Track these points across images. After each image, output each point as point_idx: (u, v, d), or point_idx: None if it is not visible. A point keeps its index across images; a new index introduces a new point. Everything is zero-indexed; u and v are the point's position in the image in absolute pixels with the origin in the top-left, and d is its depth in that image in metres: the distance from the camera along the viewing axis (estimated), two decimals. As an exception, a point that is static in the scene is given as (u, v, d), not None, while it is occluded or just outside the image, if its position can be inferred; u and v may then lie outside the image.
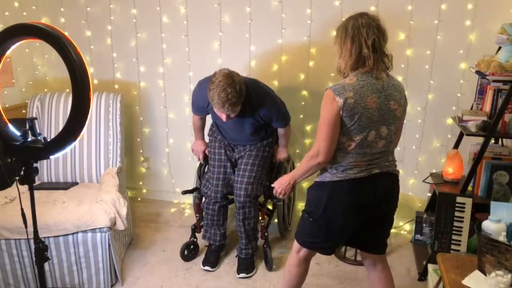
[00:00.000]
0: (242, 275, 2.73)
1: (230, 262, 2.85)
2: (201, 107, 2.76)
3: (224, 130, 2.85)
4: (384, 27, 1.82)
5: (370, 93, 1.78)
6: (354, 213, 1.89)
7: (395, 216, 2.06)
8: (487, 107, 2.50)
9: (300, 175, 1.99)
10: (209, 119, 2.97)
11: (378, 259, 2.08)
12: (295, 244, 2.08)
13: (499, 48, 2.53)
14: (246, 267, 2.76)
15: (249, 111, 2.62)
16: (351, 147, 1.82)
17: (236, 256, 2.85)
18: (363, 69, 1.79)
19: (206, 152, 2.94)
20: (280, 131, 2.86)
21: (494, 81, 2.34)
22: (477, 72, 2.48)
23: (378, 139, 1.84)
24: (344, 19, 1.87)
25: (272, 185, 2.13)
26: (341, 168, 1.85)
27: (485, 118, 2.43)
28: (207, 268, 2.78)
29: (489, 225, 1.69)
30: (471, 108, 2.72)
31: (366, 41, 1.76)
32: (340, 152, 1.85)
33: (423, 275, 2.66)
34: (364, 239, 2.03)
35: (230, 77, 2.38)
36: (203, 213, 2.84)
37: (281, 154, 2.96)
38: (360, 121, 1.78)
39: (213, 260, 2.81)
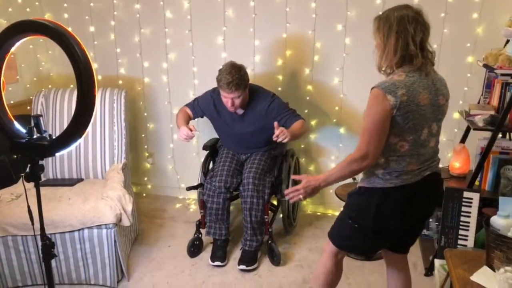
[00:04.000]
0: (242, 266, 2.73)
1: (236, 258, 2.85)
2: (201, 106, 2.96)
3: (228, 141, 3.01)
4: (429, 23, 1.70)
5: (422, 89, 1.66)
6: (408, 219, 1.79)
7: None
8: (495, 101, 2.47)
9: (335, 179, 1.78)
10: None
11: (402, 258, 2.03)
12: (331, 248, 1.93)
13: (507, 41, 2.51)
14: (247, 259, 2.76)
15: (254, 111, 2.81)
16: (404, 148, 1.70)
17: (240, 249, 2.85)
18: (411, 67, 1.67)
19: (191, 127, 2.79)
20: (296, 124, 2.77)
21: (502, 74, 2.32)
22: (485, 65, 2.46)
23: (430, 137, 1.74)
24: (385, 10, 1.73)
25: (295, 188, 1.85)
26: (395, 173, 1.72)
27: (492, 112, 2.40)
28: (217, 263, 2.78)
29: (497, 221, 1.68)
30: (478, 102, 2.69)
31: (413, 38, 1.63)
32: (392, 156, 1.71)
33: (429, 270, 2.65)
34: (398, 241, 1.93)
35: (236, 65, 2.73)
36: (207, 209, 2.84)
37: (282, 132, 2.57)
38: (414, 120, 1.65)
39: (221, 255, 2.81)
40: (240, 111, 2.87)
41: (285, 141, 2.57)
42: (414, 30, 1.64)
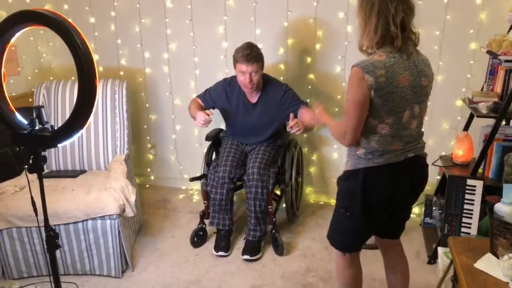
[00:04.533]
0: (246, 256, 2.74)
1: (239, 248, 2.86)
2: (213, 97, 2.96)
3: (237, 132, 3.01)
4: (414, 3, 1.67)
5: (402, 70, 1.64)
6: (393, 200, 1.79)
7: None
8: (498, 88, 2.45)
9: (325, 125, 1.95)
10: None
11: (395, 245, 2.04)
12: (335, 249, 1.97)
13: (511, 27, 2.48)
14: (251, 249, 2.77)
15: (267, 100, 2.85)
16: (384, 130, 1.70)
17: (244, 239, 2.86)
18: (392, 48, 1.65)
19: (209, 112, 2.81)
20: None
21: (506, 61, 2.29)
22: (488, 52, 2.43)
23: (412, 119, 1.73)
24: None
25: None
26: (377, 153, 1.72)
27: (496, 99, 2.39)
28: (221, 253, 2.79)
29: (501, 208, 1.67)
30: (482, 89, 2.68)
31: (394, 18, 1.61)
32: (374, 137, 1.71)
33: (432, 258, 2.66)
34: (388, 225, 1.94)
35: (253, 43, 2.80)
36: (210, 199, 2.84)
37: (306, 115, 2.55)
38: (394, 102, 1.65)
39: (224, 245, 2.83)
40: (254, 99, 2.88)
41: (298, 133, 2.63)
42: (395, 10, 1.61)
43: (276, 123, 2.91)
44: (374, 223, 1.87)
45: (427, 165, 1.90)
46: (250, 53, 2.67)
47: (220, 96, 2.95)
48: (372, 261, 2.71)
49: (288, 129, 2.64)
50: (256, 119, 2.90)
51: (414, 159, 1.78)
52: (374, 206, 1.78)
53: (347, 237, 1.91)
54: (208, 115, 2.75)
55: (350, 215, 1.82)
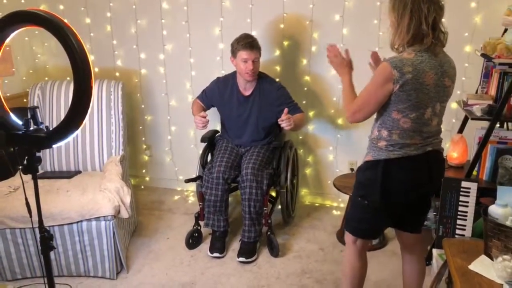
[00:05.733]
0: (241, 259, 2.74)
1: (235, 249, 2.86)
2: (208, 95, 3.04)
3: (231, 128, 3.03)
4: (443, 3, 1.75)
5: (429, 69, 1.71)
6: (412, 192, 1.85)
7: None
8: (493, 91, 2.47)
9: (346, 88, 1.92)
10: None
11: (415, 239, 2.05)
12: (349, 236, 2.00)
13: (505, 30, 2.49)
14: (246, 251, 2.77)
15: (260, 93, 2.90)
16: (407, 124, 1.76)
17: (239, 240, 2.86)
18: (421, 46, 1.71)
19: (204, 114, 2.85)
20: (299, 115, 2.91)
21: (500, 64, 2.31)
22: (483, 55, 2.45)
23: (434, 116, 1.80)
24: None
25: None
26: (398, 145, 1.79)
27: (490, 102, 2.40)
28: (216, 254, 2.79)
29: (495, 210, 1.68)
30: (476, 92, 2.69)
31: (426, 17, 1.67)
32: (396, 130, 1.78)
33: (427, 260, 2.66)
34: (407, 218, 1.98)
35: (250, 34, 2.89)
36: (205, 200, 2.84)
37: (288, 118, 2.67)
38: (418, 98, 1.72)
39: (219, 246, 2.82)
40: (248, 92, 2.93)
41: (287, 128, 2.69)
42: (427, 10, 1.67)
43: (269, 118, 2.93)
44: (391, 213, 1.91)
45: (444, 159, 1.96)
46: (251, 41, 2.78)
47: (213, 93, 3.02)
48: (369, 262, 2.71)
49: (279, 121, 2.70)
50: (250, 112, 2.93)
51: (432, 153, 1.84)
52: (393, 195, 1.83)
53: (363, 226, 1.96)
54: (204, 116, 2.80)
55: (368, 204, 1.87)
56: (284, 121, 2.65)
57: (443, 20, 1.76)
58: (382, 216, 1.90)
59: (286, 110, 2.68)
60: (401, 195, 1.85)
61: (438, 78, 1.74)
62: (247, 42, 2.76)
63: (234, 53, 2.82)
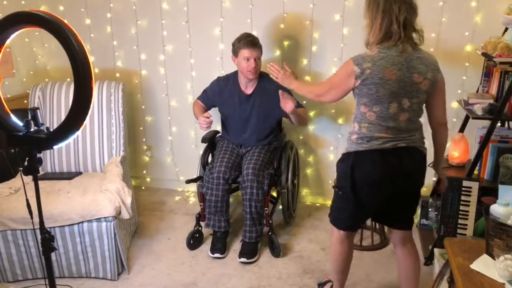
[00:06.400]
0: (242, 259, 2.73)
1: (236, 249, 2.86)
2: (209, 95, 3.04)
3: (232, 127, 3.03)
4: (416, 3, 1.82)
5: (390, 65, 1.78)
6: (379, 184, 1.90)
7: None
8: (493, 90, 2.47)
9: (300, 91, 2.21)
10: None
11: (406, 237, 2.08)
12: (332, 227, 2.12)
13: (506, 29, 2.49)
14: (248, 251, 2.76)
15: (262, 90, 2.92)
16: (372, 118, 1.85)
17: (241, 241, 2.85)
18: (388, 43, 1.80)
19: (207, 115, 2.86)
20: (301, 109, 2.91)
21: (501, 63, 2.30)
22: (483, 54, 2.45)
23: (401, 111, 1.84)
24: None
25: (279, 69, 2.37)
26: (366, 139, 1.87)
27: (491, 101, 2.40)
28: (216, 255, 2.79)
29: (497, 209, 1.68)
30: (477, 91, 2.69)
31: (397, 17, 1.76)
32: (364, 123, 1.88)
33: (429, 260, 2.66)
34: (390, 214, 2.04)
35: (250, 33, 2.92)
36: (206, 201, 2.84)
37: (288, 104, 2.64)
38: (378, 92, 1.80)
39: (220, 247, 2.82)
40: (249, 90, 2.94)
41: (291, 105, 2.61)
42: (398, 10, 1.76)
43: (271, 115, 2.94)
44: (364, 206, 1.96)
45: (423, 158, 1.97)
46: (253, 39, 2.80)
47: (214, 92, 3.02)
48: (369, 263, 2.72)
49: (281, 106, 2.65)
50: (251, 110, 2.93)
51: (405, 150, 1.88)
52: (361, 187, 1.90)
53: (341, 216, 2.05)
54: (208, 117, 2.80)
55: (342, 194, 1.98)
56: (285, 100, 2.61)
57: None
58: (356, 207, 1.96)
59: (281, 92, 2.65)
60: (369, 188, 1.90)
61: (403, 74, 1.79)
62: (249, 41, 2.78)
63: (235, 52, 2.83)
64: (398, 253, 2.15)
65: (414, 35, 1.83)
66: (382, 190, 1.92)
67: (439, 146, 2.09)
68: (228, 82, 2.99)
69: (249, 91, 2.94)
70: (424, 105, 1.95)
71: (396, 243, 2.12)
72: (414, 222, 2.10)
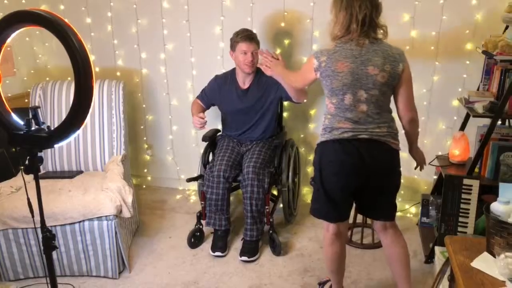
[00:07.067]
0: (244, 258, 2.74)
1: (237, 248, 2.86)
2: (208, 94, 3.06)
3: (233, 124, 3.04)
4: (379, 0, 1.91)
5: (343, 58, 1.89)
6: (342, 174, 1.95)
7: (400, 200, 2.07)
8: (494, 88, 2.46)
9: (282, 79, 2.45)
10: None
11: (387, 225, 2.11)
12: (323, 223, 2.13)
13: (507, 27, 2.49)
14: (249, 250, 2.77)
15: (258, 83, 2.94)
16: (332, 109, 1.97)
17: (241, 239, 2.86)
18: (345, 38, 1.91)
19: (202, 115, 2.88)
20: None
21: (502, 61, 2.30)
22: (484, 52, 2.44)
23: (357, 103, 1.91)
24: None
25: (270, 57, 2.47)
26: (328, 129, 1.98)
27: (492, 99, 2.40)
28: (217, 253, 2.79)
29: (498, 207, 1.67)
30: (478, 89, 2.68)
31: (357, 14, 1.85)
32: (327, 115, 2.00)
33: (429, 258, 2.67)
34: (367, 206, 2.13)
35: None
36: (207, 199, 2.84)
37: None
38: (332, 84, 1.92)
39: (222, 245, 2.82)
40: (246, 85, 2.96)
41: (268, 68, 2.51)
42: (359, 7, 1.85)
43: (269, 111, 2.96)
44: (333, 196, 2.00)
45: (391, 151, 1.98)
46: (250, 33, 2.84)
47: (213, 90, 3.04)
48: (370, 262, 2.72)
49: (259, 66, 2.71)
50: (250, 104, 2.95)
51: (367, 142, 1.93)
52: (326, 176, 1.98)
53: (317, 206, 2.10)
54: (202, 118, 2.84)
55: (315, 185, 2.06)
56: (264, 57, 2.52)
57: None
58: (327, 197, 2.00)
59: (259, 50, 2.72)
60: (335, 177, 1.97)
61: (356, 67, 1.87)
62: (246, 35, 2.82)
63: (233, 46, 2.86)
64: (382, 240, 2.18)
65: (377, 30, 1.91)
66: (348, 180, 1.97)
67: (408, 135, 2.13)
68: (226, 80, 3.01)
69: (246, 85, 2.96)
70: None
71: (378, 230, 2.17)
72: (395, 214, 2.12)
